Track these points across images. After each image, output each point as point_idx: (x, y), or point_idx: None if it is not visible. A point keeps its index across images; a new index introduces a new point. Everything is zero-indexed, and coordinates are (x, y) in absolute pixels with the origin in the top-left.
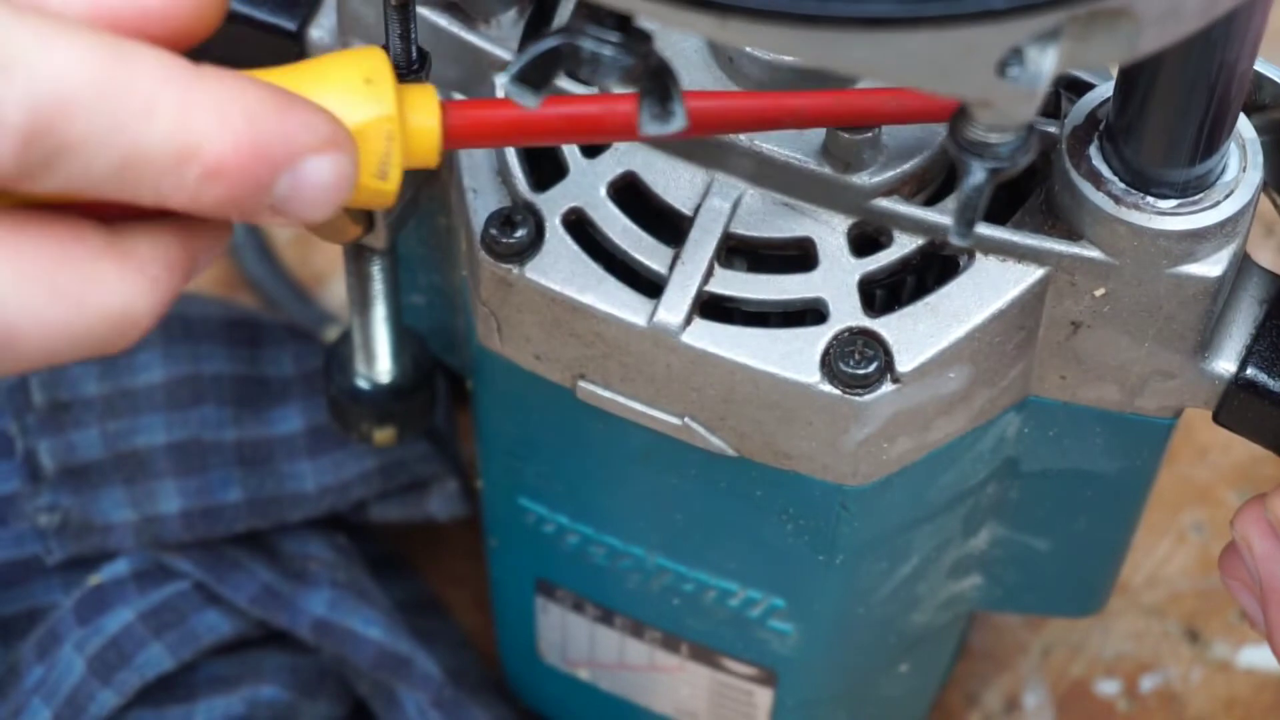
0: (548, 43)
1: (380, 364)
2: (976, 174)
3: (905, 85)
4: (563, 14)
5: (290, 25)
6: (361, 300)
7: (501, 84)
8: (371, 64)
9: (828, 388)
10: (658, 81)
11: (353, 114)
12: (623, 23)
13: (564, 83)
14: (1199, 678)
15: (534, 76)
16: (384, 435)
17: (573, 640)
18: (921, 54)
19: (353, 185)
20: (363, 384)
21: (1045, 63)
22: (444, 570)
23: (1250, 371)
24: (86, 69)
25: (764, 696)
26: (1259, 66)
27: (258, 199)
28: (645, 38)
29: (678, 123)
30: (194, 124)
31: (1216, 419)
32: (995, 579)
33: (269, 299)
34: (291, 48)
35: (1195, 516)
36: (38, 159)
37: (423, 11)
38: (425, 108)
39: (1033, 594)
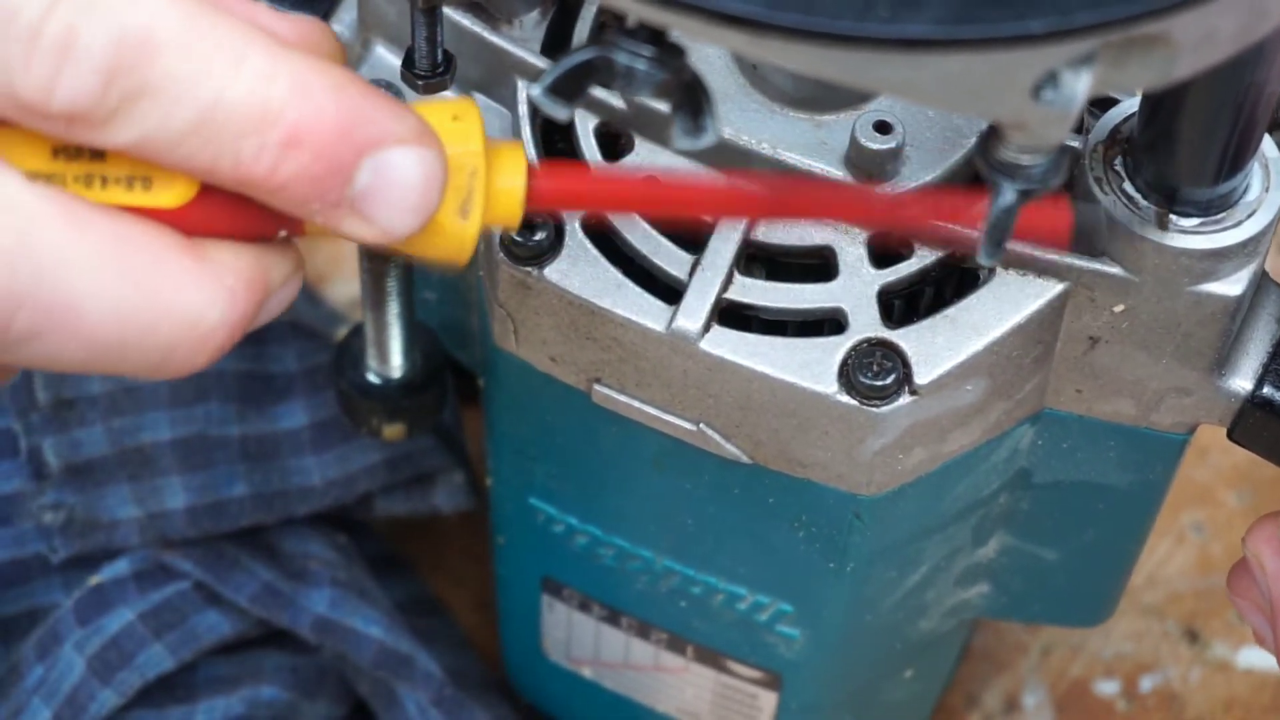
0: (581, 55)
1: (392, 359)
2: (1007, 195)
3: (939, 106)
4: (587, 15)
5: None
6: (375, 296)
7: (533, 95)
8: (461, 106)
9: (845, 398)
10: (690, 96)
11: None
12: (657, 37)
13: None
14: (1198, 678)
15: (566, 88)
16: (393, 430)
17: (578, 639)
18: (957, 76)
19: (441, 193)
20: (373, 379)
21: (1079, 86)
22: (444, 570)
23: (1267, 390)
24: (175, 14)
25: (768, 700)
26: None
27: (338, 184)
28: (679, 52)
29: (709, 137)
30: (278, 86)
31: (1231, 436)
32: (1002, 588)
33: None
34: None
35: (1195, 516)
36: (117, 98)
37: (445, 11)
38: (512, 163)
39: (1039, 603)
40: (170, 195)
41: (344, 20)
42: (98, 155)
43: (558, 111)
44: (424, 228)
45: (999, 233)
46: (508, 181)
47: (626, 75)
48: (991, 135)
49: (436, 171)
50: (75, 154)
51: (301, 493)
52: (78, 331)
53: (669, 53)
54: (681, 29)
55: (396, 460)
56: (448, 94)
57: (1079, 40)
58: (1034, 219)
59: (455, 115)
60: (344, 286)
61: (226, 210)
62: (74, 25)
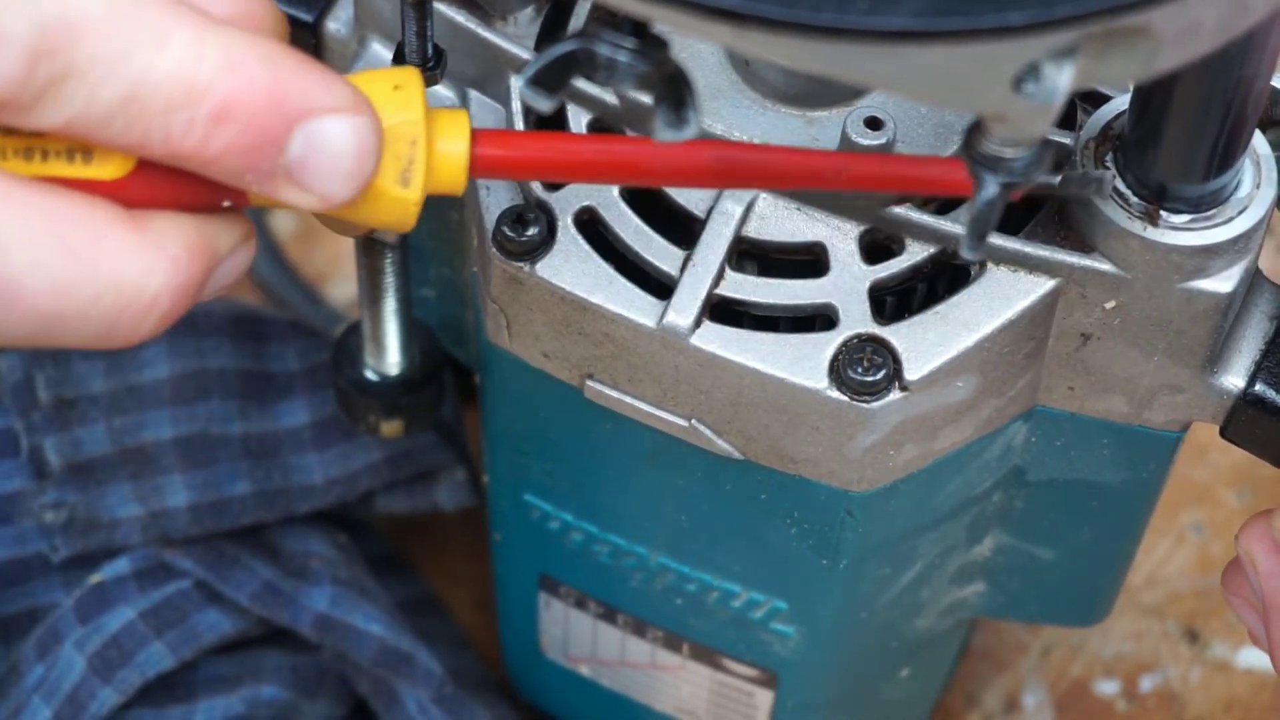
0: (563, 47)
1: (389, 356)
2: (990, 188)
3: (921, 99)
4: (580, 12)
5: (307, 17)
6: (371, 293)
7: (517, 87)
8: (403, 76)
9: (835, 394)
10: (673, 88)
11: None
12: (639, 29)
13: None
14: (1198, 678)
15: (549, 80)
16: (391, 427)
17: (575, 637)
18: (938, 68)
19: (375, 160)
20: (371, 376)
21: (1061, 79)
22: (444, 570)
23: (1259, 387)
24: None
25: (764, 698)
26: (1275, 82)
27: (270, 155)
28: (661, 44)
29: (691, 130)
30: (205, 61)
31: (1224, 434)
32: (998, 586)
33: (277, 298)
34: (308, 39)
35: (1194, 516)
36: (42, 82)
37: (440, 7)
38: (456, 131)
39: (1036, 602)
40: (110, 168)
41: (340, 18)
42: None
43: (541, 103)
44: (365, 195)
45: (982, 225)
46: (451, 148)
47: (609, 67)
48: (974, 128)
49: (370, 139)
50: (13, 128)
51: (303, 490)
52: (17, 306)
53: (651, 45)
54: (665, 21)
55: (398, 458)
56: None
57: (1059, 32)
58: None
59: (396, 84)
60: (344, 286)
61: (166, 181)
62: None
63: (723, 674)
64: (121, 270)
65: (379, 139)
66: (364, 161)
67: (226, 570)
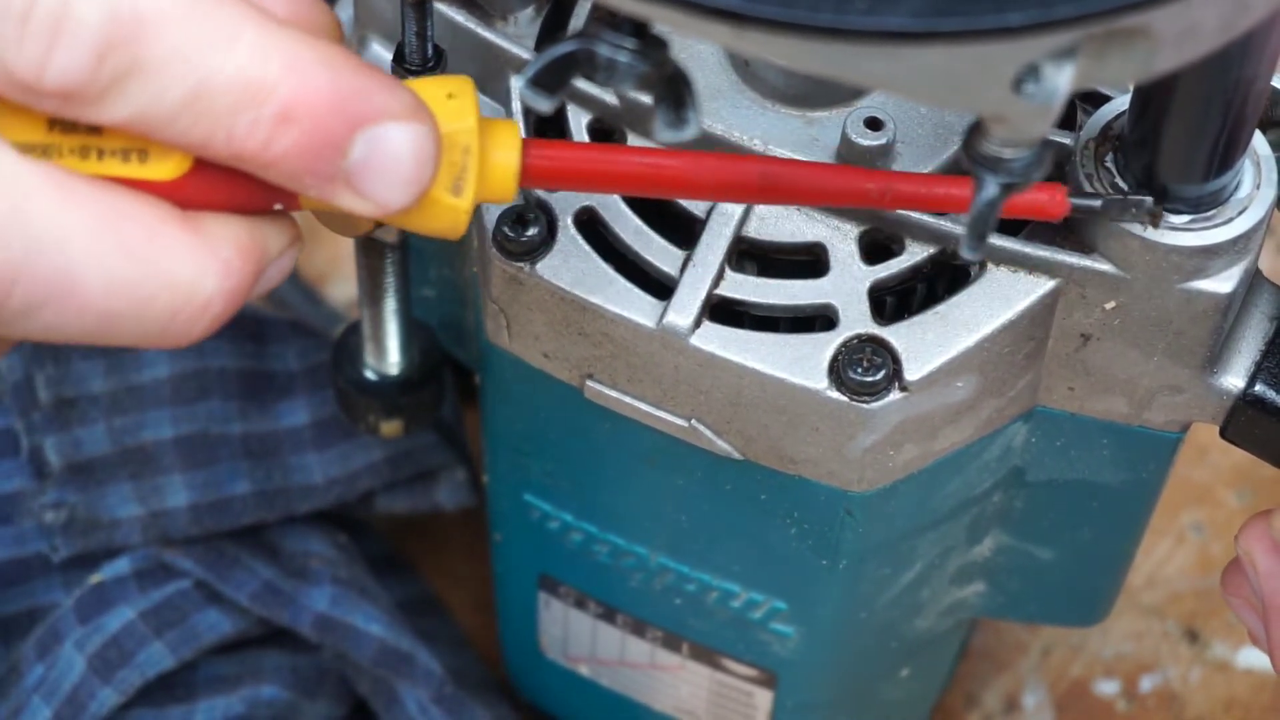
0: (564, 47)
1: (389, 356)
2: (989, 188)
3: (921, 100)
4: (580, 12)
5: None
6: (372, 292)
7: (518, 87)
8: (456, 84)
9: (835, 394)
10: (673, 89)
11: None
12: (639, 29)
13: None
14: (1198, 678)
15: (549, 80)
16: (391, 427)
17: (574, 636)
18: (937, 69)
19: (434, 169)
20: (371, 375)
21: (1061, 80)
22: (444, 570)
23: (1259, 388)
24: None
25: (764, 698)
26: (1276, 83)
27: (332, 158)
28: (661, 45)
29: (692, 130)
30: (272, 61)
31: (1224, 434)
32: (998, 587)
33: (277, 299)
34: None
35: (1195, 517)
36: (110, 73)
37: (440, 7)
38: (507, 140)
39: (1035, 603)
40: (165, 168)
41: (340, 17)
42: (94, 128)
43: (541, 103)
44: (418, 203)
45: (981, 226)
46: (502, 158)
47: (609, 67)
48: (974, 129)
49: (429, 147)
50: (71, 127)
51: (304, 490)
52: (76, 303)
53: (651, 45)
54: (664, 21)
55: (398, 458)
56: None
57: (1059, 33)
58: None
59: (450, 92)
60: (344, 286)
61: (221, 183)
62: (67, 2)
63: (722, 674)
64: (177, 270)
65: (438, 147)
66: (423, 169)
67: (226, 570)
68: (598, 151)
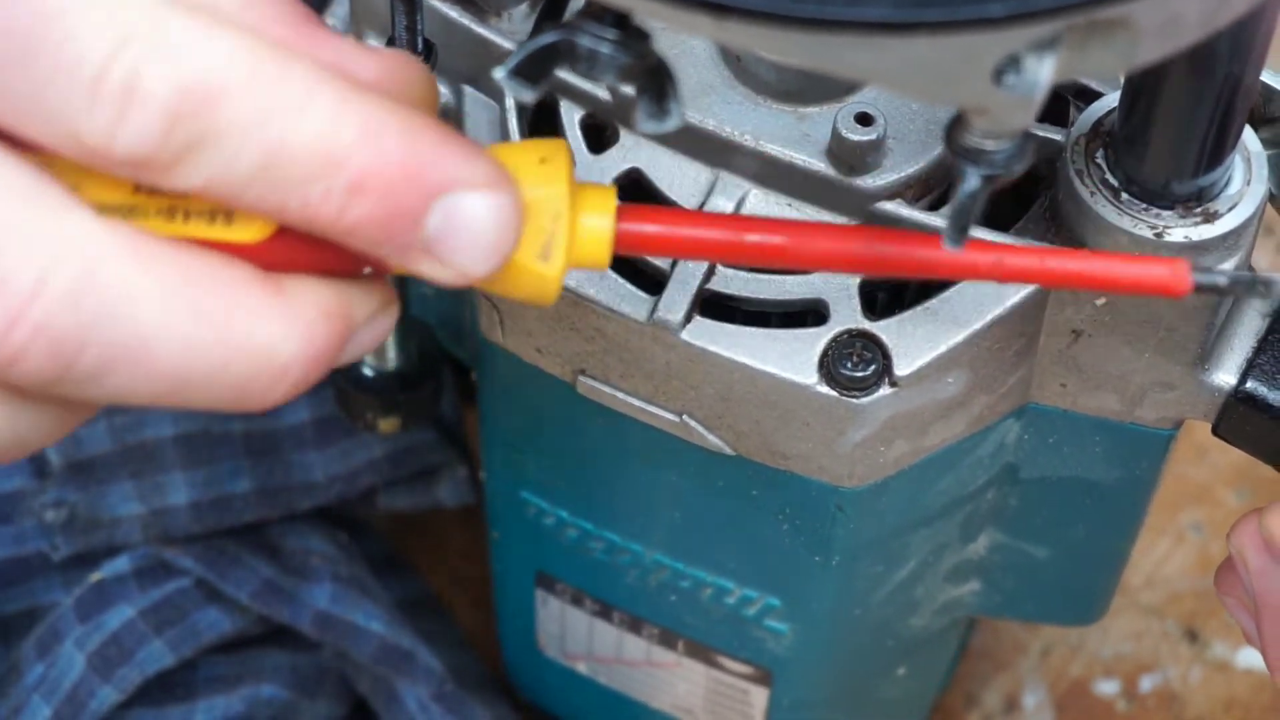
0: (545, 38)
1: (386, 353)
2: (971, 180)
3: (903, 91)
4: (575, 7)
5: None
6: None
7: (498, 77)
8: (550, 148)
9: (825, 389)
10: (655, 80)
11: (520, 188)
12: (621, 21)
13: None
14: (1198, 678)
15: (531, 71)
16: (389, 424)
17: (571, 634)
18: (918, 60)
19: (515, 237)
20: (368, 372)
21: (1043, 71)
22: (444, 570)
23: (1250, 385)
24: (241, 59)
25: (759, 696)
26: (1269, 79)
27: (408, 228)
28: (643, 36)
29: (674, 121)
30: (344, 131)
31: (1216, 431)
32: (994, 585)
33: None
34: None
35: (1194, 516)
36: (181, 142)
37: (434, 3)
38: (601, 206)
39: (1031, 601)
40: (250, 230)
41: (337, 14)
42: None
43: (522, 94)
44: (504, 269)
45: (963, 218)
46: (595, 223)
47: (590, 59)
48: (956, 121)
49: (510, 217)
50: (156, 188)
51: (305, 488)
52: (148, 368)
53: (633, 36)
54: (645, 12)
55: (399, 455)
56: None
57: (1039, 24)
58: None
59: (543, 157)
60: None
61: (307, 246)
62: (137, 71)
63: (718, 671)
64: (255, 335)
65: (520, 216)
66: (504, 238)
67: (227, 568)
68: (695, 222)
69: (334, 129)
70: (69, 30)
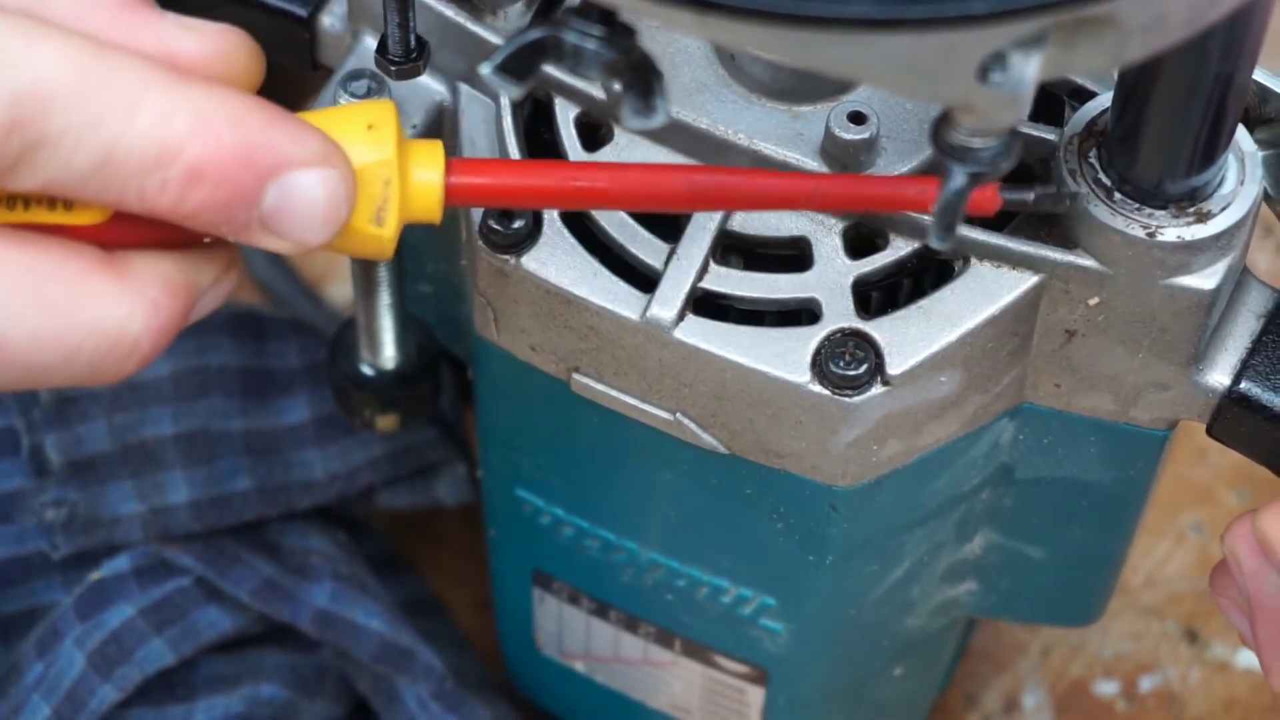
0: (531, 35)
1: (384, 351)
2: (957, 178)
3: (887, 88)
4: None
5: (301, 12)
6: (365, 287)
7: (484, 73)
8: (377, 113)
9: (817, 388)
10: (640, 76)
11: (350, 156)
12: (607, 17)
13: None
14: (1198, 678)
15: (516, 67)
16: (387, 422)
17: (569, 632)
18: (902, 56)
19: (349, 207)
20: (367, 370)
21: (1029, 69)
22: (444, 570)
23: (1244, 385)
24: (69, 65)
25: (756, 695)
26: (1265, 80)
27: (245, 209)
28: (629, 32)
29: (659, 117)
30: (176, 124)
31: (1210, 432)
32: (990, 585)
33: (277, 299)
34: (302, 34)
35: (1194, 517)
36: (17, 149)
37: (430, 2)
38: (430, 162)
39: (1028, 602)
40: (90, 214)
41: (334, 12)
42: None
43: (509, 90)
44: (340, 234)
45: (950, 215)
46: (425, 181)
47: (576, 54)
48: (943, 118)
49: (340, 189)
50: None
51: (304, 486)
52: (5, 361)
53: (619, 32)
54: (630, 9)
55: (399, 453)
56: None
57: (1023, 21)
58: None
59: (370, 123)
60: (343, 286)
61: (146, 224)
62: None
63: (714, 670)
64: (102, 318)
65: (351, 187)
66: (337, 209)
67: (227, 567)
68: (521, 170)
69: (166, 122)
70: None
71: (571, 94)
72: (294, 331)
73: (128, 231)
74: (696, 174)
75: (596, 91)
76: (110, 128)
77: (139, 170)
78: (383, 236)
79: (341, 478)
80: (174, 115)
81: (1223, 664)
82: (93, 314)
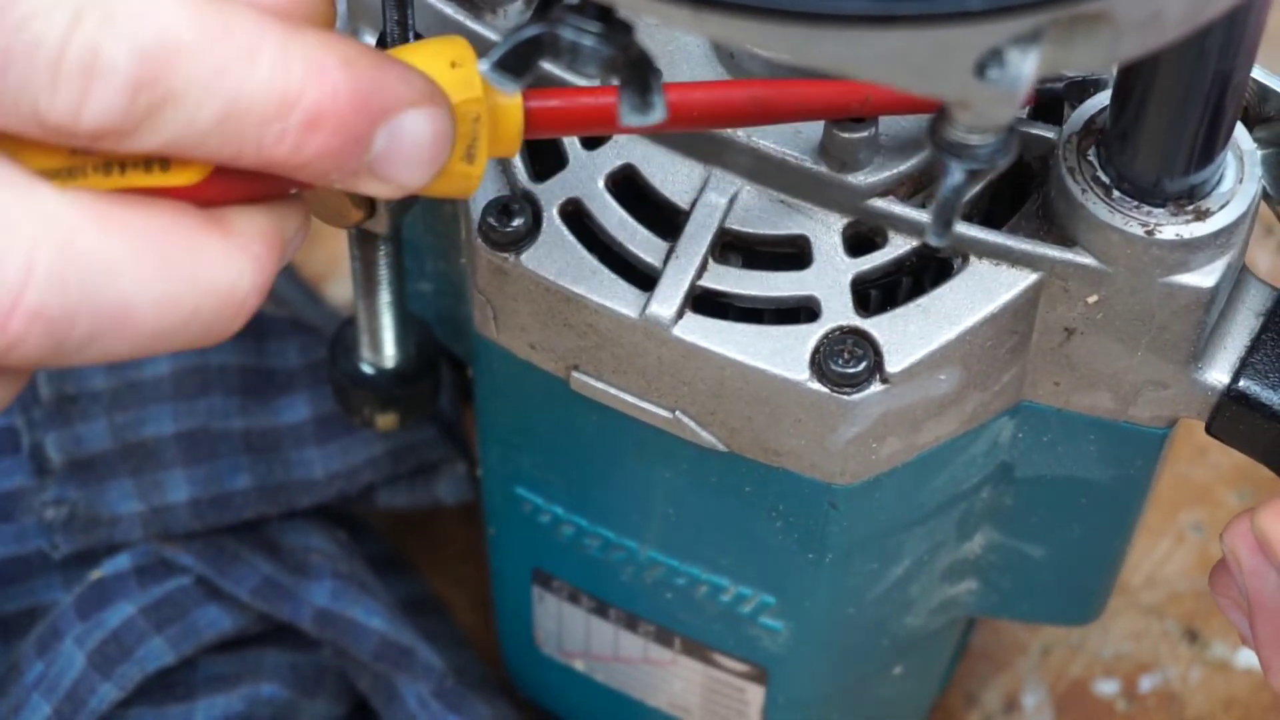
0: (529, 31)
1: (384, 349)
2: (955, 175)
3: (883, 83)
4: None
5: None
6: (365, 285)
7: (481, 71)
8: (456, 50)
9: (816, 385)
10: (637, 73)
11: None
12: (604, 13)
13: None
14: (1198, 678)
15: (514, 64)
16: (386, 420)
17: (569, 631)
18: (898, 53)
19: (451, 146)
20: (367, 369)
21: (1025, 65)
22: (444, 570)
23: (1243, 383)
24: (188, 17)
25: (755, 694)
26: (1265, 79)
27: (357, 154)
28: (626, 29)
29: (657, 114)
30: (294, 71)
31: (1209, 430)
32: (991, 585)
33: (278, 298)
34: None
35: (1195, 516)
36: (144, 108)
37: (432, 1)
38: (509, 97)
39: (1028, 601)
40: (188, 174)
41: (335, 10)
42: None
43: (506, 87)
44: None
45: (947, 212)
46: (507, 115)
47: (573, 51)
48: (939, 115)
49: (446, 127)
50: None
51: (304, 485)
52: (130, 328)
53: (616, 29)
54: (627, 6)
55: (399, 451)
56: None
57: (1019, 18)
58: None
59: (453, 60)
60: (343, 286)
61: (242, 180)
62: (96, 45)
63: (714, 669)
64: (217, 277)
65: (453, 124)
66: (441, 148)
67: (227, 566)
68: (590, 94)
69: (285, 71)
70: (24, 13)
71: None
72: (293, 330)
73: (224, 189)
74: (757, 87)
75: None
76: (233, 79)
77: (260, 121)
78: (473, 174)
79: (341, 476)
80: (291, 62)
81: (1223, 664)
82: (210, 273)
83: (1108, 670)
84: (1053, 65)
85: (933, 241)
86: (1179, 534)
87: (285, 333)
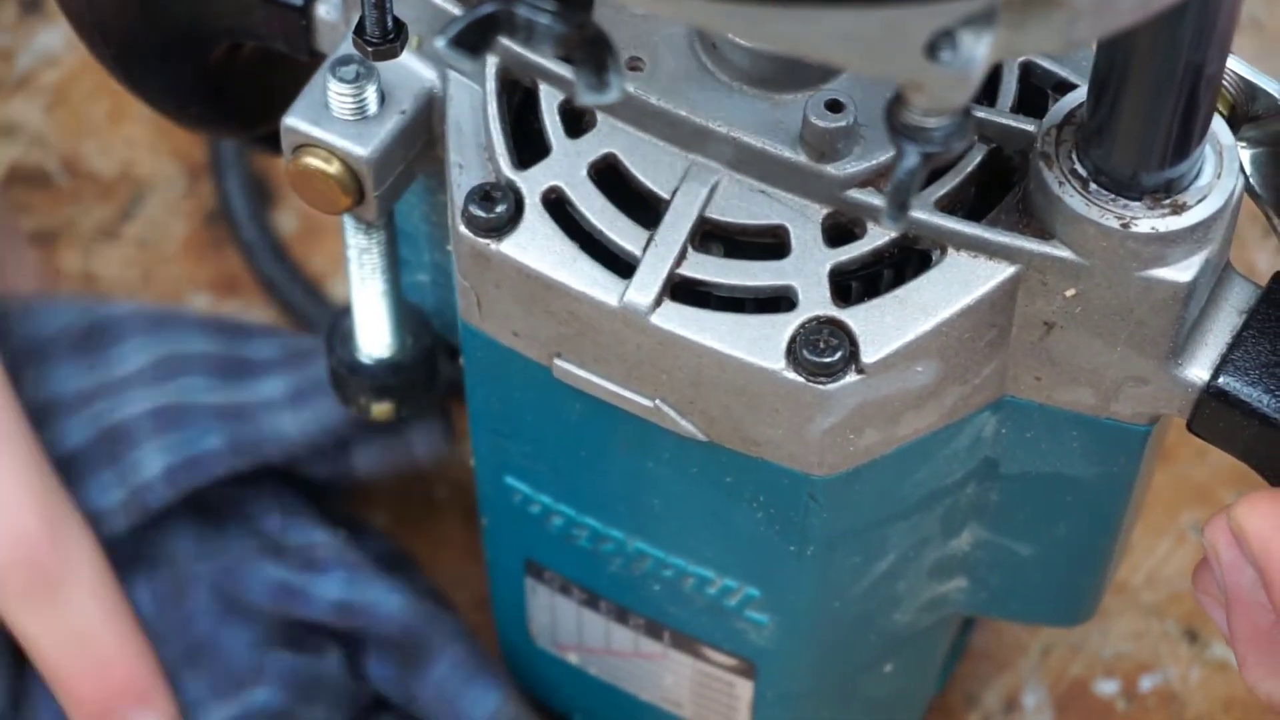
0: (485, 8)
1: (379, 338)
2: (910, 157)
3: (834, 63)
4: None
5: (297, 1)
6: (360, 274)
7: (437, 47)
8: None
9: (792, 375)
10: (593, 51)
11: None
12: None
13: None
14: (1198, 678)
15: (470, 40)
16: (381, 409)
17: (561, 623)
18: (849, 32)
19: None
20: (363, 358)
21: (979, 48)
22: (444, 570)
23: (1223, 380)
24: None
25: (744, 688)
26: (1252, 77)
27: None
28: (582, 7)
29: (614, 93)
30: None
31: (1190, 428)
32: (980, 583)
33: (279, 298)
34: (299, 22)
35: (1194, 516)
36: None
37: None
38: None
39: (1018, 600)
40: None
41: (330, 1)
42: None
43: (462, 63)
44: None
45: (902, 194)
46: None
47: (528, 28)
48: (896, 98)
49: None
50: None
51: (277, 440)
52: None
53: (572, 7)
54: None
55: None
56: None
57: None
58: None
59: None
60: (344, 285)
61: None
62: None
63: (703, 663)
64: None
65: None
66: None
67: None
68: None
69: None
70: None
71: (556, 81)
72: (274, 332)
73: None
74: None
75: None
76: None
77: None
78: None
79: (314, 433)
80: None
81: (1223, 663)
82: None
83: (1108, 670)
84: (1007, 48)
85: (887, 225)
86: (1179, 534)
87: (266, 333)
